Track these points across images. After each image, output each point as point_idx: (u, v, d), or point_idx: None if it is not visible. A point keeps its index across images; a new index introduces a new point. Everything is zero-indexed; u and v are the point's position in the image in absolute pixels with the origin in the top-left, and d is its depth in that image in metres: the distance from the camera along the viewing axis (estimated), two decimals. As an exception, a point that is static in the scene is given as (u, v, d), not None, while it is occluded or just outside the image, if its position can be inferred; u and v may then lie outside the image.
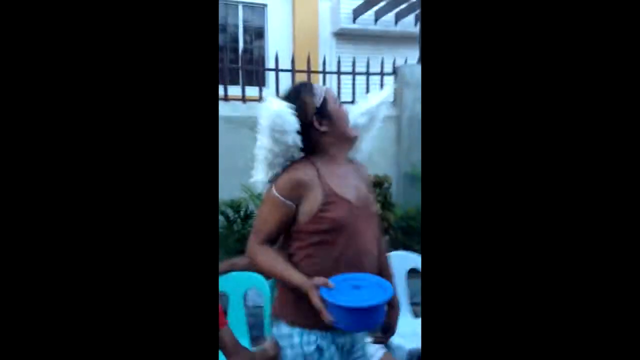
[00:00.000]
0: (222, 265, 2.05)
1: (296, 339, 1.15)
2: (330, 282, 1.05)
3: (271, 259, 1.16)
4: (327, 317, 1.03)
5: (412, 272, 2.27)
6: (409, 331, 1.96)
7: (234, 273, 1.95)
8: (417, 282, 2.32)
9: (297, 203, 1.14)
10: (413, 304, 2.28)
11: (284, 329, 1.17)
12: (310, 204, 1.14)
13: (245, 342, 1.97)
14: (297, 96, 1.19)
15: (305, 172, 1.16)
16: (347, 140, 1.22)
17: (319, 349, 1.13)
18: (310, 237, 1.14)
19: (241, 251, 2.37)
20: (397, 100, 3.52)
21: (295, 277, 1.11)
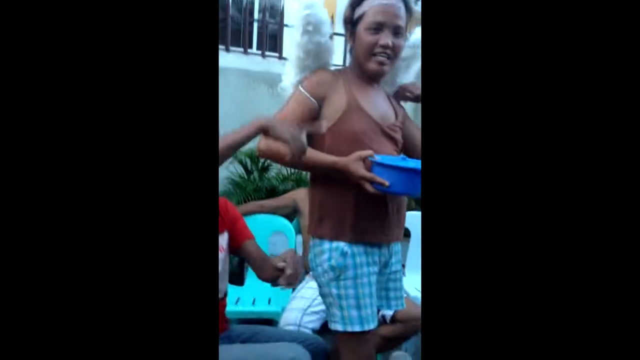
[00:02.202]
0: (249, 206, 2.08)
1: (325, 248, 1.15)
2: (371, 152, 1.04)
3: None
4: (379, 180, 1.01)
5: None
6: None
7: (259, 216, 1.98)
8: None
9: (320, 104, 1.12)
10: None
11: (323, 245, 1.16)
12: (332, 108, 1.12)
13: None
14: None
15: (334, 75, 1.16)
16: (367, 69, 1.15)
17: (346, 254, 1.13)
18: (329, 148, 1.11)
19: (260, 199, 2.40)
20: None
21: (329, 158, 1.08)
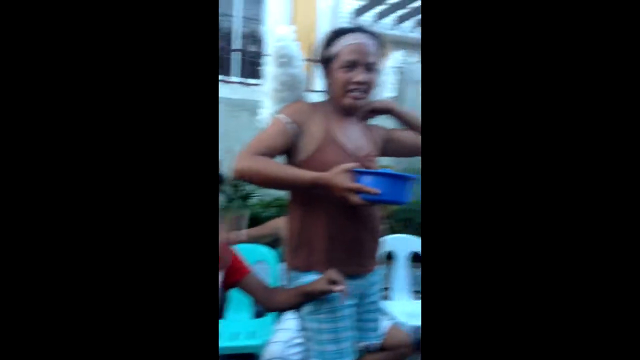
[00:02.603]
0: (231, 236, 2.03)
1: (302, 280, 1.13)
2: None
3: (273, 163, 1.07)
4: (368, 189, 0.98)
5: (416, 258, 2.29)
6: (410, 311, 2.10)
7: (241, 245, 1.94)
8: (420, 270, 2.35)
9: (298, 131, 1.11)
10: (415, 291, 2.31)
11: (298, 277, 1.15)
12: (310, 138, 1.12)
13: (247, 315, 1.95)
14: (328, 36, 1.19)
15: (312, 106, 1.18)
16: (343, 104, 1.17)
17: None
18: None
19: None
20: (400, 97, 3.56)
21: (311, 173, 1.04)
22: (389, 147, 1.30)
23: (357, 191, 1.00)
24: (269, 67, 1.18)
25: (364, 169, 1.04)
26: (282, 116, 1.14)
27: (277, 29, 1.15)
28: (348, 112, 1.20)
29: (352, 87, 1.14)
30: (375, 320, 1.27)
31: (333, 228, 1.10)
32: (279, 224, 1.99)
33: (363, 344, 1.24)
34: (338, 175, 1.01)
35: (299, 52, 1.18)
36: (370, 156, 1.21)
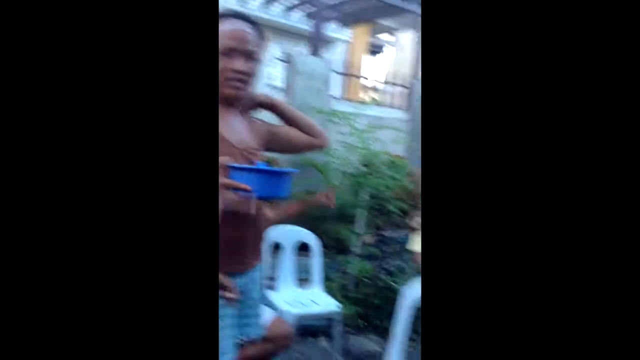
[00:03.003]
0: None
1: None
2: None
3: None
4: (239, 185, 0.96)
5: (303, 248, 2.39)
6: (293, 299, 2.21)
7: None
8: (305, 259, 2.48)
9: None
10: (300, 279, 2.43)
11: None
12: None
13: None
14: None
15: None
16: (222, 94, 1.14)
17: None
18: None
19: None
20: (288, 89, 3.64)
21: None
22: (274, 142, 1.29)
23: (231, 188, 0.98)
24: None
25: (235, 165, 1.00)
26: None
27: None
28: (229, 102, 1.16)
29: (230, 75, 1.10)
30: (257, 315, 1.28)
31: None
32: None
33: (242, 338, 1.25)
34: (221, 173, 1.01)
35: None
36: (253, 149, 1.19)
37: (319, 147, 1.36)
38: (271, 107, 1.28)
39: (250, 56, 1.12)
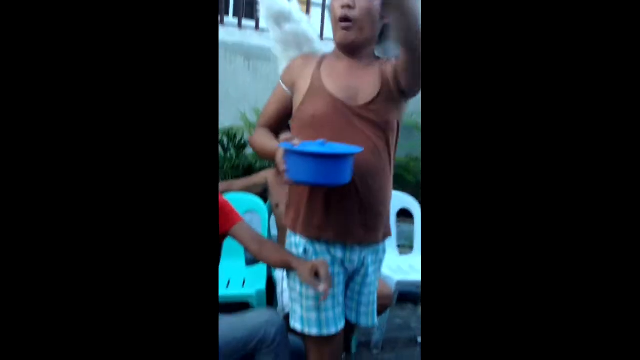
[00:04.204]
0: (220, 185, 2.05)
1: (292, 241, 1.11)
2: (297, 140, 0.91)
3: (261, 135, 1.09)
4: (282, 166, 0.91)
5: (402, 214, 2.30)
6: (395, 266, 2.15)
7: (232, 194, 1.97)
8: (406, 225, 2.39)
9: (293, 91, 1.08)
10: (400, 245, 2.36)
11: (289, 235, 1.13)
12: (299, 93, 1.05)
13: (241, 263, 2.02)
14: None
15: (304, 60, 1.09)
16: (335, 41, 1.03)
17: (306, 252, 1.08)
18: (298, 133, 1.01)
19: (236, 177, 2.38)
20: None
21: (270, 144, 1.03)
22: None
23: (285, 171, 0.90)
24: (270, 29, 1.10)
25: (287, 146, 0.89)
26: (280, 81, 1.11)
27: None
28: (343, 51, 1.03)
29: (339, 13, 0.97)
30: (370, 303, 1.16)
31: (313, 191, 1.05)
32: (270, 175, 2.01)
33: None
34: (279, 150, 0.93)
35: (286, 7, 1.08)
36: (371, 105, 1.01)
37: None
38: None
39: None
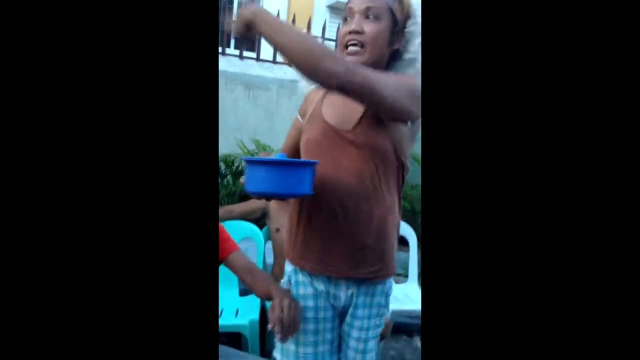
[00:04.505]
0: (220, 211, 2.06)
1: (285, 269, 1.10)
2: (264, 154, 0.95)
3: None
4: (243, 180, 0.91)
5: (400, 242, 2.30)
6: (401, 296, 2.14)
7: (229, 222, 1.97)
8: (401, 253, 2.38)
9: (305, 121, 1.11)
10: (397, 274, 2.34)
11: (287, 264, 1.11)
12: (305, 121, 1.09)
13: (234, 292, 2.00)
14: None
15: (316, 91, 1.11)
16: None
17: (290, 281, 1.06)
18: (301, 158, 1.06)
19: (232, 204, 2.39)
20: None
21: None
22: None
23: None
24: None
25: (250, 158, 0.89)
26: (298, 110, 1.16)
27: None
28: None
29: (347, 38, 0.95)
30: (357, 348, 1.05)
31: (300, 217, 1.04)
32: (267, 202, 2.02)
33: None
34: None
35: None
36: (353, 130, 0.98)
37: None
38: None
39: (369, 14, 0.95)
